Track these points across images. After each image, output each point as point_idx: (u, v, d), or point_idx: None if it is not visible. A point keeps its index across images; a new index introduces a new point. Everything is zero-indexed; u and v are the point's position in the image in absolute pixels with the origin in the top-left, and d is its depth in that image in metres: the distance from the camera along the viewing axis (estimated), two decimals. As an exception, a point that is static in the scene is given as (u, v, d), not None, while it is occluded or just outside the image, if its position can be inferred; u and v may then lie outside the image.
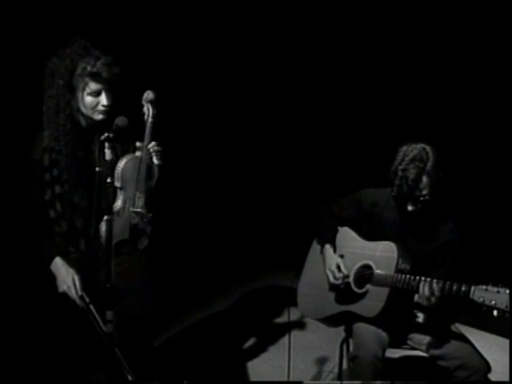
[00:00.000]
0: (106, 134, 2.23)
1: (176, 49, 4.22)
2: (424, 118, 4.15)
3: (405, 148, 2.58)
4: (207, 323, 3.99)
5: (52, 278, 2.47)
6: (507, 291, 2.26)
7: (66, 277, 2.45)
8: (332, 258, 2.74)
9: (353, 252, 2.73)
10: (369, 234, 2.73)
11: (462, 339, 2.61)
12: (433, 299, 2.44)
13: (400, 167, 2.53)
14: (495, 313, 2.28)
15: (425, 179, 2.50)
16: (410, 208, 2.57)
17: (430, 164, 2.51)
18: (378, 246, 2.65)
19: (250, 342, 3.74)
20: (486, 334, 3.69)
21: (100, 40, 2.48)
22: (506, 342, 3.49)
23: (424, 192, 2.51)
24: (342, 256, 2.76)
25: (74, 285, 2.44)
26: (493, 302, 2.27)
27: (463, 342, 2.59)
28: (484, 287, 2.30)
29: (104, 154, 2.24)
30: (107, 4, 3.55)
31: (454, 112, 4.15)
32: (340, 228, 2.83)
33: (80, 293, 2.44)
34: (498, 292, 2.27)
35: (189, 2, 4.18)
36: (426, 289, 2.43)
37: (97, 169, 2.28)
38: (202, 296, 4.25)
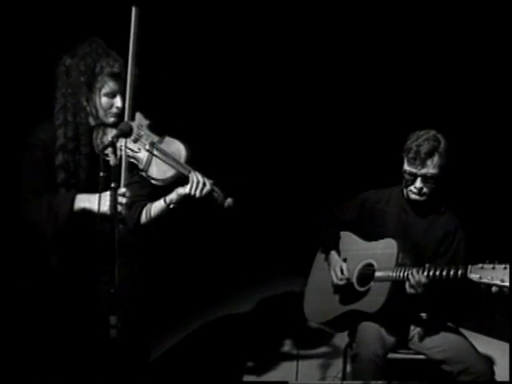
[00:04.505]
0: (110, 139, 2.24)
1: (174, 48, 4.21)
2: (425, 121, 4.14)
3: (417, 132, 2.67)
4: (211, 329, 3.98)
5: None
6: (503, 266, 2.28)
7: (94, 196, 2.30)
8: (337, 261, 2.80)
9: (355, 254, 2.78)
10: (372, 232, 2.78)
11: (465, 344, 2.62)
12: (419, 289, 2.48)
13: (415, 143, 2.62)
14: (494, 289, 2.30)
15: (436, 158, 2.59)
16: (413, 196, 2.64)
17: (442, 146, 2.61)
18: (379, 245, 2.71)
19: (256, 347, 3.73)
20: (489, 339, 3.70)
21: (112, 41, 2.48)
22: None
23: (433, 171, 2.58)
24: (345, 260, 2.80)
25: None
26: (489, 277, 2.30)
27: (467, 347, 2.60)
28: (480, 265, 2.35)
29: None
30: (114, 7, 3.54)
31: (452, 109, 4.15)
32: (342, 233, 2.88)
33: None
34: (494, 268, 2.31)
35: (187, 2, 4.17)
36: (424, 275, 2.47)
37: (101, 174, 2.28)
38: (206, 302, 4.24)
